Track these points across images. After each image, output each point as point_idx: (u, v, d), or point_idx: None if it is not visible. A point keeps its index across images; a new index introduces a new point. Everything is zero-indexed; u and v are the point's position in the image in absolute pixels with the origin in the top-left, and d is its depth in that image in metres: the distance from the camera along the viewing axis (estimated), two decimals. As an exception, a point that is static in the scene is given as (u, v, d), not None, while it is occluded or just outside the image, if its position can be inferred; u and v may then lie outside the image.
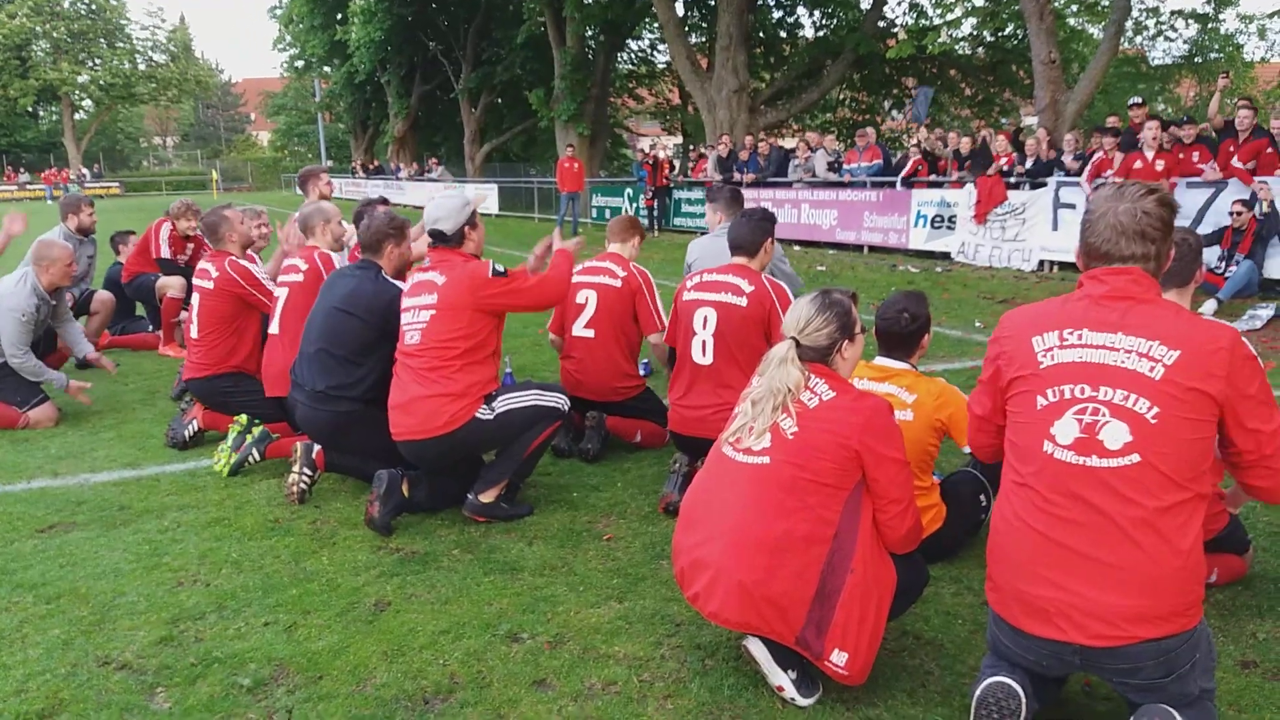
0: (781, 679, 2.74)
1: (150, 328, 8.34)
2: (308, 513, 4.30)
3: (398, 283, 4.30)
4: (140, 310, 8.48)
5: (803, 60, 23.55)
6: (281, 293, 5.04)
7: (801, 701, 2.74)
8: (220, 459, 4.80)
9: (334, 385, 4.27)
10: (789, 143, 19.52)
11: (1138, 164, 10.17)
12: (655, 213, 19.99)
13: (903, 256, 14.50)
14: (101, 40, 55.62)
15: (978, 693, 2.37)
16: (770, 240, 4.39)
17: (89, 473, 4.90)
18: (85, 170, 52.12)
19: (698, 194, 19.18)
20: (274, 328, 5.03)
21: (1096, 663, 2.29)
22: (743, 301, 4.13)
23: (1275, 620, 3.21)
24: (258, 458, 4.82)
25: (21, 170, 51.42)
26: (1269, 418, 2.27)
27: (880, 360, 3.74)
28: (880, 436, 2.64)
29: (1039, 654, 2.36)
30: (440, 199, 4.13)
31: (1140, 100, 12.34)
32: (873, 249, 15.27)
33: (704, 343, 4.20)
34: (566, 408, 4.21)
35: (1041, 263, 12.53)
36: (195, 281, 5.38)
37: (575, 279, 5.03)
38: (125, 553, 3.86)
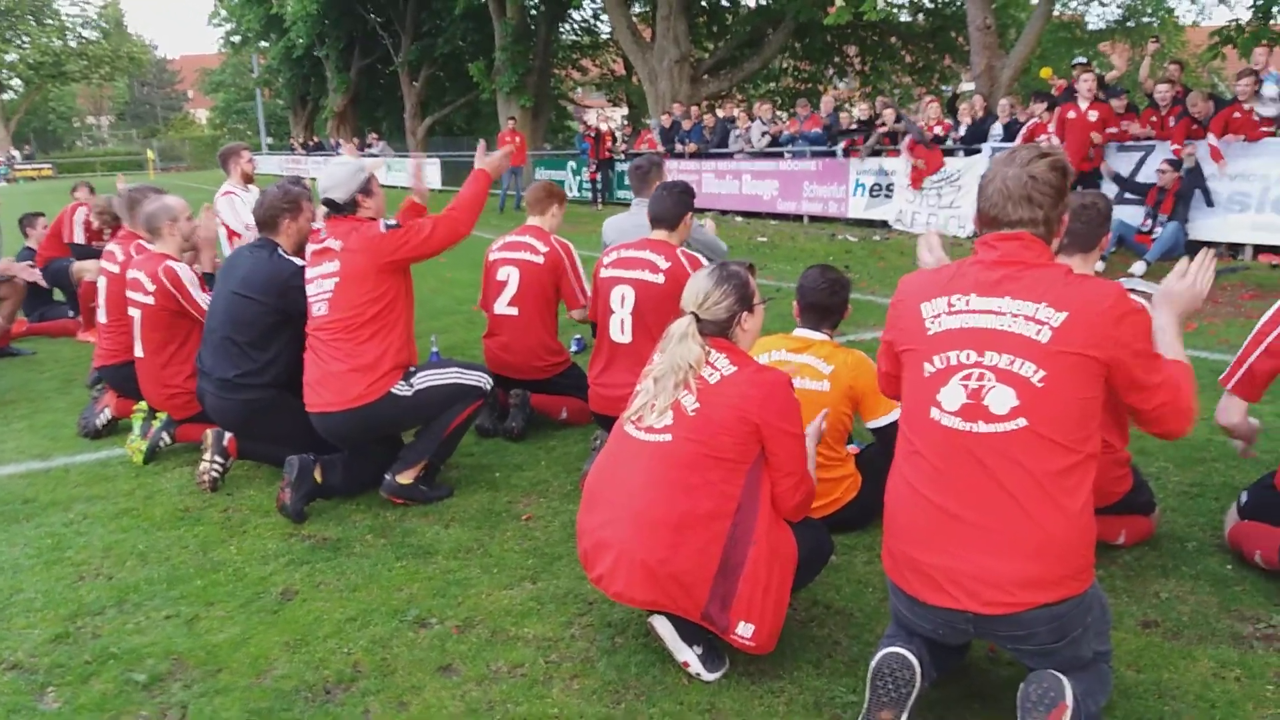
0: (687, 654, 2.73)
1: (70, 313, 8.11)
2: (220, 501, 4.20)
3: (295, 259, 4.17)
4: (59, 295, 8.24)
5: (744, 29, 23.42)
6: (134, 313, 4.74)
7: (707, 676, 2.72)
8: (131, 449, 4.67)
9: (241, 373, 4.15)
10: (736, 113, 19.39)
11: (1071, 114, 10.20)
12: (599, 186, 19.86)
13: (842, 225, 14.53)
14: (30, 17, 53.73)
15: (873, 664, 2.37)
16: (690, 214, 4.34)
17: (-6, 466, 4.75)
18: (15, 152, 50.58)
19: (640, 166, 19.02)
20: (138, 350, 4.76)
21: (989, 630, 2.29)
22: (659, 279, 4.08)
23: (1179, 580, 3.26)
24: (169, 441, 4.71)
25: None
26: (1155, 369, 2.27)
27: (800, 331, 3.73)
28: (780, 412, 2.62)
29: (934, 622, 2.36)
30: (332, 166, 4.02)
31: (1085, 60, 12.35)
32: (813, 219, 15.29)
33: (622, 321, 4.15)
34: (489, 386, 4.15)
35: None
36: (129, 294, 4.75)
37: (495, 255, 4.95)
38: (26, 548, 3.75)
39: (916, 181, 13.22)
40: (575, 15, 33.23)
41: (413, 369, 3.97)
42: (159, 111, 78.76)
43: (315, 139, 41.56)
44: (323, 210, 4.05)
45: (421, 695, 2.70)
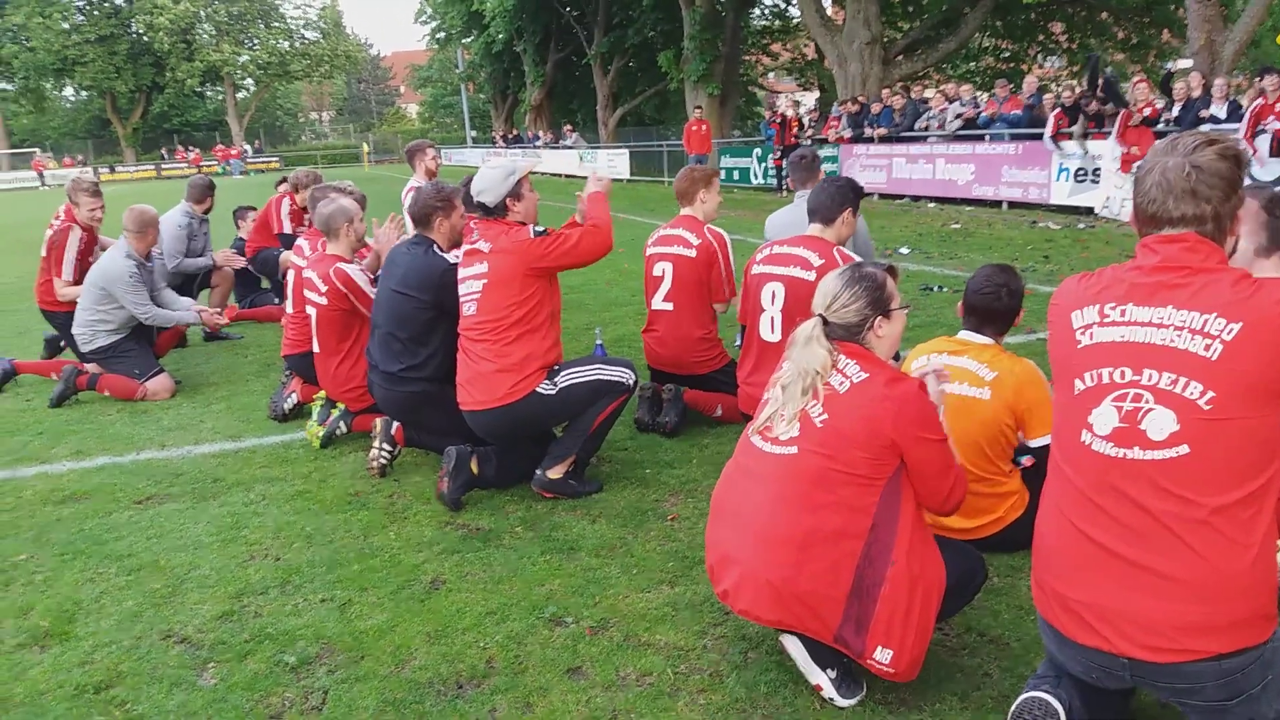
0: (820, 678, 2.60)
1: (276, 300, 8.68)
2: (386, 486, 4.37)
3: (449, 256, 4.26)
4: (266, 284, 8.83)
5: (939, 7, 22.41)
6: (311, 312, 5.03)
7: (841, 702, 2.59)
8: (310, 433, 4.94)
9: (404, 367, 4.30)
10: (930, 94, 18.64)
11: None
12: (784, 172, 19.55)
13: (1044, 212, 13.72)
14: (259, 21, 58.42)
15: (1013, 707, 2.17)
16: (850, 211, 4.16)
17: (193, 444, 5.13)
18: (247, 146, 55.04)
19: (828, 152, 18.63)
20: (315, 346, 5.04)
21: (1149, 678, 2.05)
22: (811, 276, 3.92)
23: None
24: (345, 430, 4.94)
25: (192, 148, 54.64)
26: None
27: (962, 334, 3.51)
28: (917, 422, 2.44)
29: (1086, 664, 2.14)
30: (485, 169, 4.06)
31: None
32: (1012, 205, 14.50)
33: (772, 319, 4.03)
34: (632, 381, 4.11)
35: (1195, 216, 11.58)
36: (306, 292, 5.03)
37: (651, 250, 4.91)
38: (209, 525, 4.02)
39: (1126, 166, 12.27)
40: (767, 0, 32.93)
41: (558, 367, 3.99)
42: (374, 106, 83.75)
43: (514, 131, 43.01)
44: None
45: (548, 697, 2.70)
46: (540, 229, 3.98)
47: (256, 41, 58.24)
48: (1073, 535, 2.08)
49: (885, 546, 2.45)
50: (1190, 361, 1.94)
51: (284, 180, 9.09)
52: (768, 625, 2.64)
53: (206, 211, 7.61)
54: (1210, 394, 1.92)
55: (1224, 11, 14.54)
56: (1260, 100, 10.15)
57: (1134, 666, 2.03)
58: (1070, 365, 2.12)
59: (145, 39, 54.05)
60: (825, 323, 2.59)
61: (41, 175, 47.12)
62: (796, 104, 21.42)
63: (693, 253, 4.77)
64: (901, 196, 16.66)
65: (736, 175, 22.00)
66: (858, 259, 3.95)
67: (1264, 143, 9.33)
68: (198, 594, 3.41)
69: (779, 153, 19.45)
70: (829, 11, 24.32)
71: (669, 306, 4.83)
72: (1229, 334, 1.92)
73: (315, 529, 3.93)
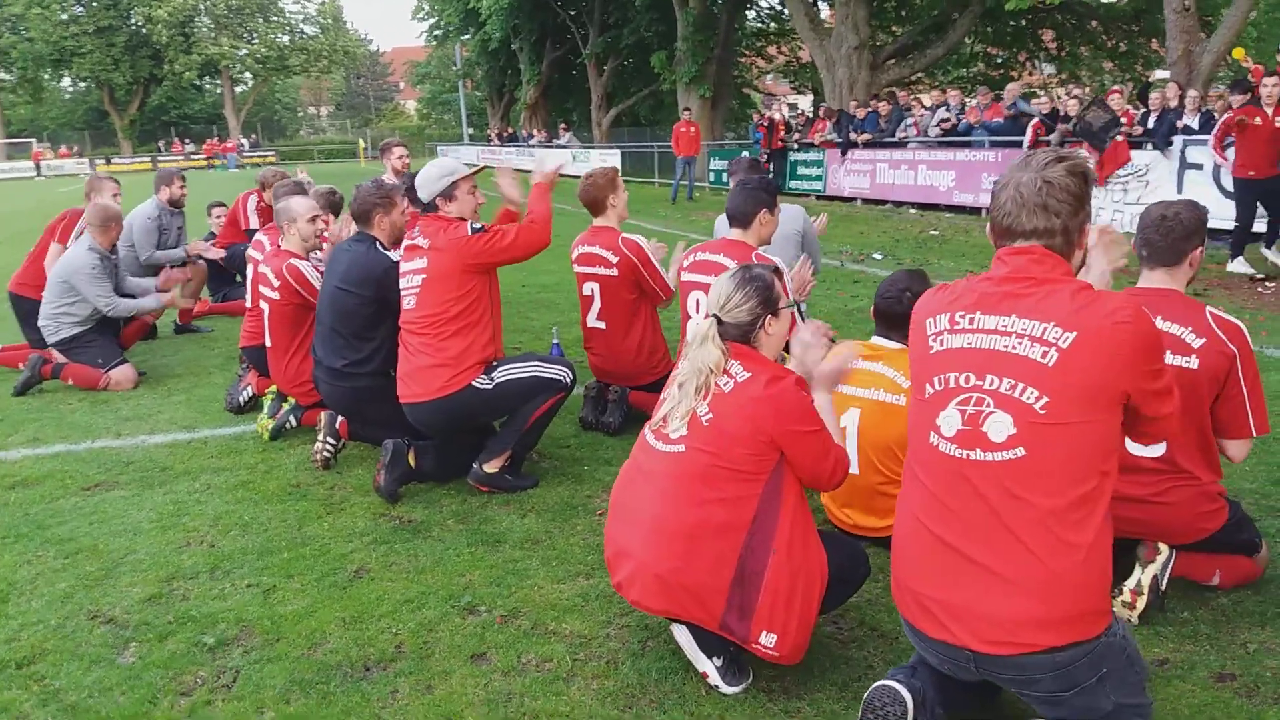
0: (706, 665, 2.72)
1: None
2: (329, 479, 4.48)
3: (391, 253, 4.37)
4: (240, 278, 8.93)
5: (928, 13, 22.53)
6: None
7: (725, 689, 2.70)
8: (261, 426, 5.05)
9: (347, 363, 4.41)
10: (925, 100, 18.75)
11: (1257, 120, 9.23)
12: (771, 175, 19.65)
13: (1020, 220, 13.82)
14: (258, 15, 58.49)
15: (865, 695, 2.29)
16: (766, 210, 4.27)
17: (148, 434, 5.24)
18: (244, 140, 55.06)
19: (815, 155, 18.78)
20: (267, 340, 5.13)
21: (991, 671, 2.16)
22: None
23: (1275, 631, 2.96)
24: (294, 424, 5.05)
25: (188, 141, 54.70)
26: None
27: (876, 339, 3.62)
28: (793, 417, 2.56)
29: (939, 657, 2.26)
30: (430, 165, 4.18)
31: None
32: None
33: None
34: (569, 380, 4.22)
35: (1166, 227, 11.70)
36: (260, 287, 5.14)
37: (577, 269, 4.97)
38: (151, 512, 4.13)
39: (1100, 177, 12.39)
40: (762, 1, 33.02)
41: (496, 362, 4.10)
42: (372, 102, 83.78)
43: (509, 130, 43.07)
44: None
45: (449, 680, 2.81)
46: (478, 225, 4.10)
47: (255, 35, 58.33)
48: (922, 533, 2.20)
49: (767, 537, 2.57)
50: (1028, 367, 2.06)
51: (273, 170, 9.22)
52: (657, 614, 2.76)
53: (174, 204, 7.69)
54: (1045, 399, 2.04)
55: (1206, 20, 14.68)
56: (1230, 113, 10.23)
57: (977, 659, 2.15)
58: (923, 370, 2.24)
59: (144, 31, 54.14)
60: (720, 323, 2.70)
61: (39, 165, 47.20)
62: (791, 107, 21.53)
63: (614, 271, 4.80)
64: (884, 202, 16.77)
65: (725, 178, 22.09)
66: (776, 261, 4.08)
67: (1234, 153, 9.42)
68: (129, 577, 3.52)
69: (766, 156, 19.56)
70: (824, 15, 24.46)
71: (602, 325, 4.91)
72: (1065, 342, 2.03)
73: (253, 518, 4.04)
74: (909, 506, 2.26)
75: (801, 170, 19.33)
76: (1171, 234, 3.02)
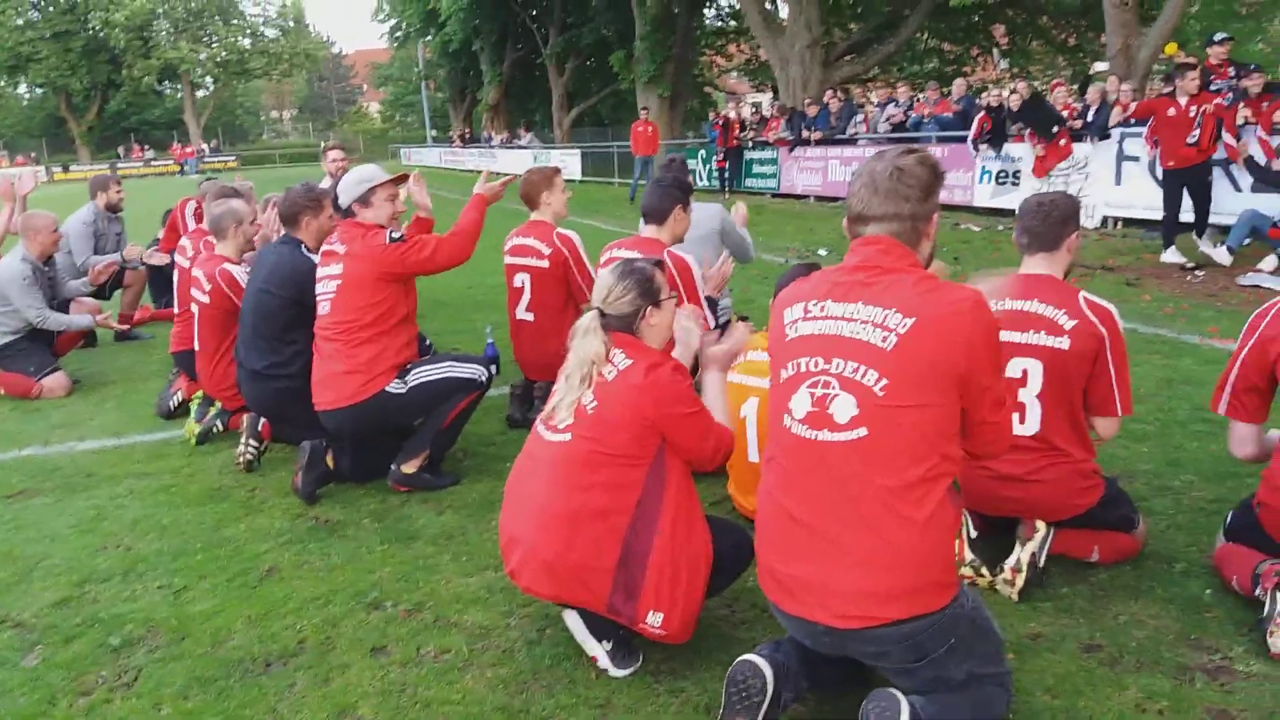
0: (596, 649, 2.80)
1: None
2: (251, 481, 4.52)
3: (314, 256, 4.41)
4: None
5: (880, 10, 22.76)
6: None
7: (615, 672, 2.79)
8: (188, 430, 5.08)
9: (269, 364, 4.46)
10: (873, 97, 18.93)
11: (1170, 111, 9.42)
12: (726, 174, 19.81)
13: (968, 214, 14.03)
14: (217, 18, 57.95)
15: (728, 669, 2.38)
16: (681, 207, 4.37)
17: (76, 441, 5.25)
18: (204, 145, 54.54)
19: (769, 154, 18.91)
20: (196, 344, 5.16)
21: (845, 644, 2.26)
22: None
23: (1148, 603, 3.08)
24: (221, 428, 5.09)
25: (147, 147, 54.13)
26: (1000, 387, 2.21)
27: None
28: (673, 399, 2.66)
29: (800, 633, 2.35)
30: (352, 171, 4.24)
31: (1225, 36, 11.27)
32: (940, 206, 14.79)
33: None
34: (485, 379, 4.29)
35: (1105, 219, 11.96)
36: (192, 290, 5.18)
37: (508, 260, 5.04)
38: (70, 518, 4.16)
39: (1040, 170, 12.62)
40: (722, 1, 33.14)
41: (410, 365, 4.16)
42: (335, 105, 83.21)
43: (469, 131, 42.99)
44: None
45: (347, 673, 2.88)
46: (397, 234, 4.15)
47: (215, 39, 57.80)
48: (778, 512, 2.30)
49: (651, 519, 2.66)
50: (869, 351, 2.16)
51: (209, 180, 9.20)
52: (547, 600, 2.84)
53: (111, 208, 7.68)
54: (884, 381, 2.14)
55: (1152, 15, 14.90)
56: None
57: (831, 633, 2.25)
58: (779, 357, 2.35)
59: (101, 36, 53.41)
60: (602, 315, 2.79)
61: (-7, 173, 46.55)
62: (754, 106, 21.63)
63: (545, 263, 4.85)
64: (837, 199, 16.93)
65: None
66: (689, 260, 4.18)
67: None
68: (42, 582, 3.55)
69: (722, 154, 19.71)
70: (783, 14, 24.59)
71: (530, 317, 4.97)
72: (903, 328, 2.14)
73: (172, 521, 4.08)
74: (767, 486, 2.36)
75: (757, 168, 19.46)
76: (1050, 219, 3.14)
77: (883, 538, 2.14)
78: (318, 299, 4.18)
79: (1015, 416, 3.05)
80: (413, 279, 4.25)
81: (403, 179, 4.43)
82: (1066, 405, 3.06)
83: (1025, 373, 3.04)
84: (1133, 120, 11.40)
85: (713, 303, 4.47)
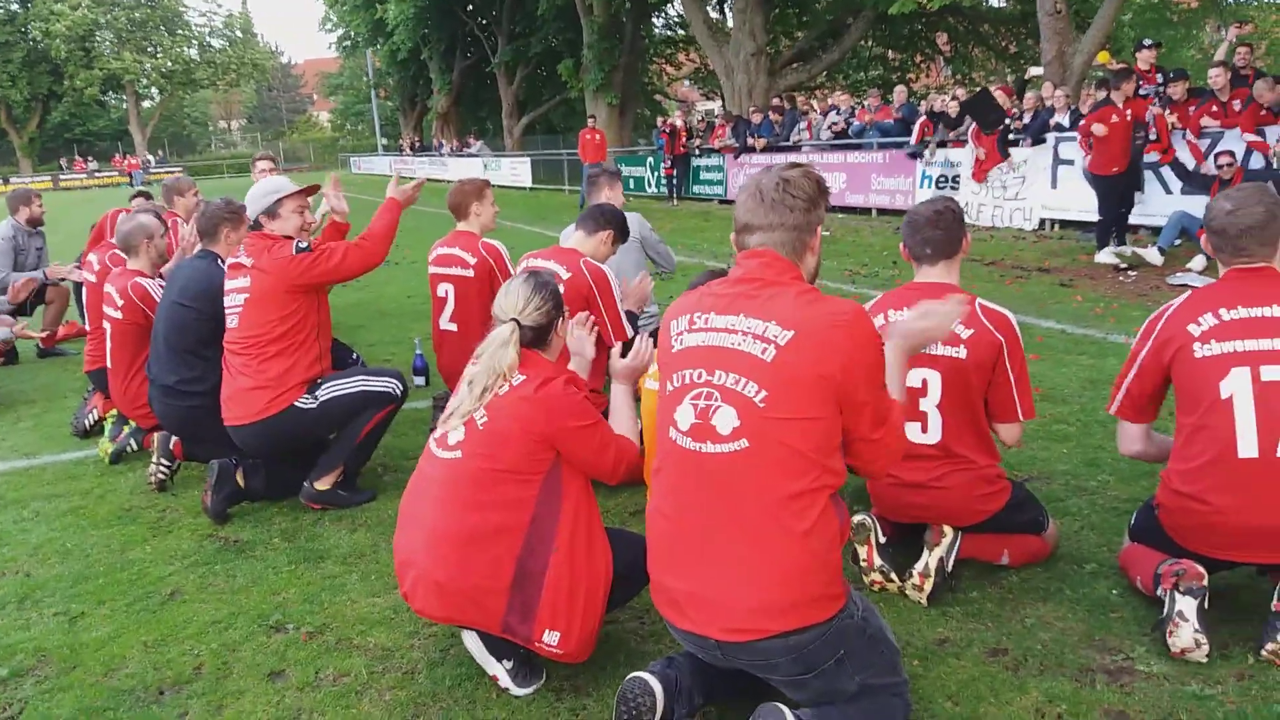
0: (496, 669, 2.74)
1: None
2: (162, 501, 4.41)
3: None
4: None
5: (824, 20, 22.97)
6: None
7: (516, 691, 2.73)
8: (102, 450, 4.95)
9: (181, 380, 4.35)
10: (814, 104, 19.10)
11: (1114, 118, 9.58)
12: (675, 181, 19.85)
13: (909, 218, 14.17)
14: (161, 28, 57.06)
15: (619, 687, 2.34)
16: (611, 235, 4.46)
17: (-15, 463, 5.09)
18: (149, 156, 53.62)
19: (716, 161, 18.98)
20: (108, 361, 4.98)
21: (735, 657, 2.23)
22: (559, 289, 4.07)
23: (1055, 605, 3.09)
24: (135, 447, 4.96)
25: (90, 159, 53.11)
26: (886, 402, 2.19)
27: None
28: (565, 413, 2.62)
29: (693, 647, 2.32)
30: (260, 183, 4.15)
31: (1152, 42, 11.49)
32: (881, 211, 14.95)
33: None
34: (399, 392, 4.22)
35: (1043, 221, 12.13)
36: (104, 307, 5.00)
37: (432, 270, 4.97)
38: (-31, 544, 4.02)
39: (979, 174, 12.79)
40: (670, 10, 33.25)
41: (321, 380, 4.07)
42: (284, 114, 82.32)
43: (419, 139, 42.70)
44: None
45: (241, 700, 2.79)
46: (304, 245, 4.07)
47: (160, 49, 56.86)
48: (665, 525, 2.27)
49: (547, 536, 2.60)
50: (750, 363, 2.14)
51: (139, 195, 9.01)
52: (441, 622, 2.78)
53: (33, 223, 7.50)
54: (764, 393, 2.12)
55: (1086, 21, 15.15)
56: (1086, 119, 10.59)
57: (721, 646, 2.21)
58: (666, 368, 2.32)
59: (42, 46, 52.31)
60: (519, 326, 2.74)
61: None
62: (708, 113, 21.68)
63: (470, 272, 4.80)
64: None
65: (632, 184, 22.24)
66: (604, 270, 4.16)
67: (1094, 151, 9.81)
68: (-69, 612, 3.42)
69: (669, 161, 19.75)
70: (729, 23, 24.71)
71: (454, 328, 4.90)
72: (782, 340, 2.12)
73: (76, 545, 3.96)
74: (654, 500, 2.32)
75: (704, 175, 19.52)
76: (949, 226, 3.14)
77: (766, 550, 2.12)
78: (226, 313, 4.08)
79: (917, 425, 3.05)
80: (325, 290, 4.18)
81: (313, 190, 4.35)
82: (968, 413, 3.06)
83: (925, 382, 3.03)
84: (1068, 126, 11.61)
85: (632, 316, 4.44)
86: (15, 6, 52.73)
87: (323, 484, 4.15)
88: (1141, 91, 10.25)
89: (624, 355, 3.16)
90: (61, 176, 49.79)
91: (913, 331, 2.54)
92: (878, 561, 3.15)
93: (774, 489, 2.11)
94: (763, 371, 2.12)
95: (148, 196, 9.00)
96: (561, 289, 4.00)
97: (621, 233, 4.51)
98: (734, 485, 2.14)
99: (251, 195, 4.10)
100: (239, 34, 61.16)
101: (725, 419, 2.15)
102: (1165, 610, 2.77)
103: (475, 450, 2.62)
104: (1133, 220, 10.37)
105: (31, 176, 50.12)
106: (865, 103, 16.22)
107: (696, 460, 2.19)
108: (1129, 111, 9.46)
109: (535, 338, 2.77)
